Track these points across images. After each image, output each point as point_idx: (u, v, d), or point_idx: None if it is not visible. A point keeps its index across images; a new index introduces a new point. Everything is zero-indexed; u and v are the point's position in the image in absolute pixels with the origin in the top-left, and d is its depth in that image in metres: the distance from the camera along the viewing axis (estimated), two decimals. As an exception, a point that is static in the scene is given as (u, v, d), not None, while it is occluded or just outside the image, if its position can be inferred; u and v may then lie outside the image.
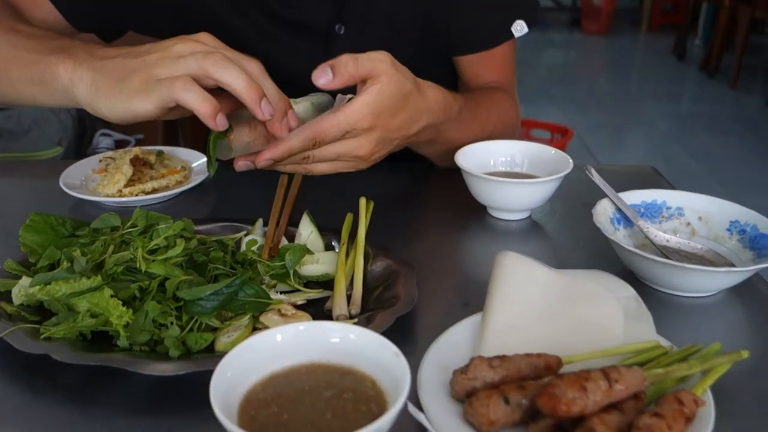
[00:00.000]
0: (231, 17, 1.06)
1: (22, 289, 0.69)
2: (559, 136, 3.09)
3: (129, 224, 0.76)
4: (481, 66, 1.16)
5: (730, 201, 0.85)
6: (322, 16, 1.08)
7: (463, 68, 1.17)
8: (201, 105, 0.69)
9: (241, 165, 0.78)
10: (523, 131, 3.24)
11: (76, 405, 0.61)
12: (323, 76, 0.76)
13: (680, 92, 5.56)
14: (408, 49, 1.10)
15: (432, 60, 1.14)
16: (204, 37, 0.75)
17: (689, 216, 0.86)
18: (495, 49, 1.14)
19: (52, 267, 0.72)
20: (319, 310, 0.73)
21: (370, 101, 0.78)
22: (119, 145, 1.39)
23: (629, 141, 4.47)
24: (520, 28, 1.13)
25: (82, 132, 1.35)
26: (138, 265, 0.68)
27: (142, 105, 0.71)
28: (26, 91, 0.83)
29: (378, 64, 0.79)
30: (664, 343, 0.64)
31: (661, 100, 5.22)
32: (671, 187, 1.04)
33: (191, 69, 0.70)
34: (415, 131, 0.86)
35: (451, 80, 1.19)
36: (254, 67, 0.74)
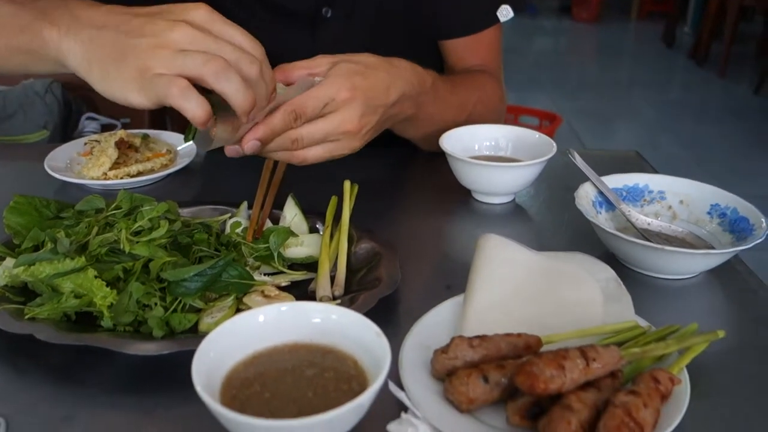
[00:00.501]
0: None
1: (6, 270, 0.69)
2: (547, 123, 3.10)
3: (113, 206, 0.76)
4: (467, 50, 1.16)
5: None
6: None
7: (448, 52, 1.17)
8: (196, 113, 0.67)
9: (230, 151, 0.77)
10: (512, 117, 3.24)
11: (61, 384, 0.62)
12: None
13: (669, 80, 5.58)
14: (395, 33, 1.11)
15: (418, 45, 1.14)
16: (201, 14, 0.70)
17: (671, 199, 0.87)
18: (481, 33, 1.14)
19: (37, 248, 0.72)
20: (302, 292, 0.73)
21: (341, 71, 0.80)
22: (105, 128, 1.39)
23: (618, 128, 4.49)
24: (506, 12, 1.14)
25: (68, 115, 1.34)
26: (122, 247, 0.68)
27: (137, 98, 0.69)
28: (15, 59, 0.80)
29: (313, 60, 0.82)
30: (642, 323, 0.65)
31: (650, 88, 5.24)
32: (654, 171, 1.05)
33: (189, 71, 0.67)
34: (394, 98, 0.85)
35: (438, 65, 1.19)
36: (253, 69, 0.70)
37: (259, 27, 1.05)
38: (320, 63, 0.82)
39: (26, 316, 0.64)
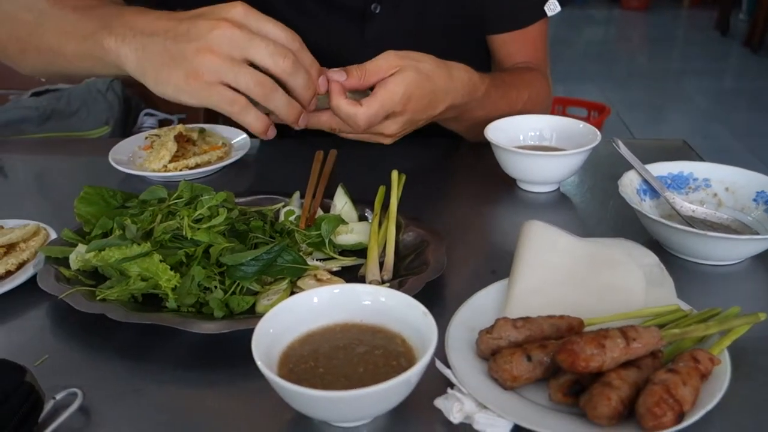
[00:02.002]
0: None
1: (79, 256, 0.74)
2: (596, 114, 3.06)
3: (175, 196, 0.80)
4: (514, 45, 1.17)
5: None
6: None
7: (495, 48, 1.18)
8: (256, 126, 0.79)
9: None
10: (560, 109, 3.22)
11: (129, 360, 0.66)
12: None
13: (722, 68, 5.44)
14: (440, 28, 1.13)
15: (463, 40, 1.16)
16: (238, 12, 0.75)
17: (716, 187, 0.87)
18: (528, 28, 1.15)
19: (105, 235, 0.77)
20: (353, 277, 0.76)
21: (401, 87, 0.83)
22: (163, 124, 1.45)
23: (669, 119, 4.40)
24: (553, 7, 1.15)
25: (128, 111, 1.41)
26: (184, 233, 0.73)
27: (189, 101, 0.77)
28: (83, 65, 0.87)
29: (382, 61, 0.85)
30: (684, 307, 0.66)
31: (703, 77, 5.11)
32: (701, 159, 1.05)
33: (241, 88, 0.75)
34: (440, 111, 0.90)
35: (482, 60, 1.21)
36: (287, 63, 0.76)
37: (309, 23, 1.09)
38: (390, 65, 0.85)
39: (98, 298, 0.69)
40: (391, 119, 0.86)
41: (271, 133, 0.82)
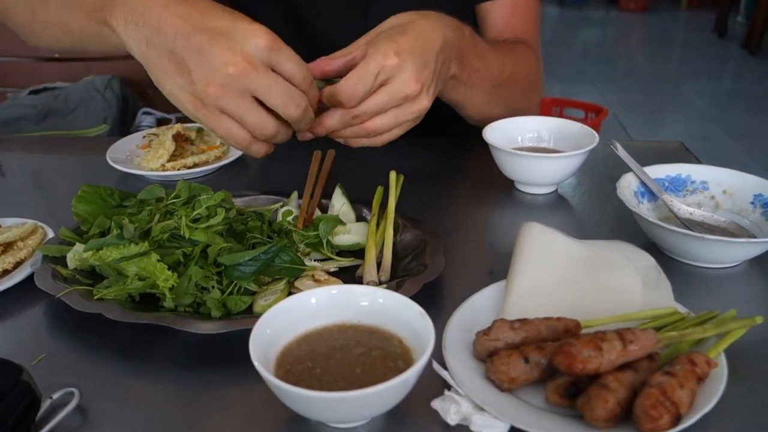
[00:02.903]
0: None
1: (76, 255, 0.74)
2: (593, 115, 3.07)
3: (173, 195, 0.80)
4: (505, 18, 1.15)
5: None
6: None
7: (486, 23, 1.16)
8: (258, 154, 0.75)
9: (301, 136, 0.79)
10: (558, 110, 3.22)
11: (126, 360, 0.66)
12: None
13: (720, 70, 5.45)
14: (442, 11, 1.14)
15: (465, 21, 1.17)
16: (259, 46, 0.67)
17: (713, 189, 0.87)
18: (517, 1, 1.14)
19: (103, 234, 0.77)
20: (350, 277, 0.76)
21: (380, 41, 0.77)
22: (161, 122, 1.45)
23: (667, 120, 4.41)
24: None
25: (126, 110, 1.40)
26: (182, 233, 0.73)
27: (190, 115, 0.72)
28: (93, 44, 0.81)
29: (363, 38, 0.81)
30: (682, 309, 0.66)
31: (701, 79, 5.13)
32: (698, 161, 1.06)
33: (246, 125, 0.70)
34: (439, 43, 0.81)
35: None
36: (297, 112, 0.71)
37: (313, 8, 1.09)
38: (356, 46, 0.80)
39: (95, 297, 0.69)
40: (398, 71, 0.76)
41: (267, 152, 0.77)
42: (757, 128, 4.11)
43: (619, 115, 4.16)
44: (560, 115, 3.19)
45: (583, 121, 3.20)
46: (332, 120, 0.78)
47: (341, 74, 0.77)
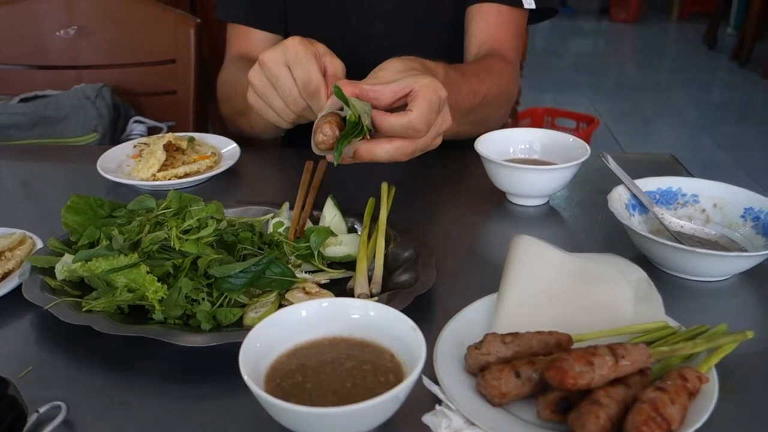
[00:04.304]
0: None
1: (65, 266, 0.74)
2: (584, 125, 3.09)
3: (163, 205, 0.80)
4: (485, 23, 1.18)
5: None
6: None
7: (470, 21, 1.19)
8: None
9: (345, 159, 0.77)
10: (549, 120, 3.24)
11: (115, 373, 0.66)
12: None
13: (710, 82, 5.49)
14: (443, 3, 1.21)
15: (459, 12, 1.22)
16: (279, 51, 0.80)
17: (704, 203, 0.87)
18: (502, 9, 1.17)
19: (92, 245, 0.77)
20: (341, 289, 0.76)
21: (415, 74, 0.78)
22: (152, 131, 1.44)
23: (657, 131, 4.43)
24: (528, 1, 1.17)
25: (117, 118, 1.40)
26: (172, 244, 0.72)
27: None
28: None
29: (391, 76, 0.79)
30: (673, 323, 0.66)
31: (691, 90, 5.17)
32: (689, 174, 1.06)
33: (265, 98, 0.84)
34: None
35: None
36: (291, 117, 0.84)
37: None
38: (384, 77, 0.79)
39: (84, 309, 0.69)
40: (445, 105, 0.78)
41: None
42: (747, 140, 4.14)
43: (610, 125, 4.18)
44: (552, 125, 3.21)
45: (575, 130, 3.22)
46: (385, 152, 0.76)
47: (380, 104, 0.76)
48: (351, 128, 0.72)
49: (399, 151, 0.76)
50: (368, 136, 0.73)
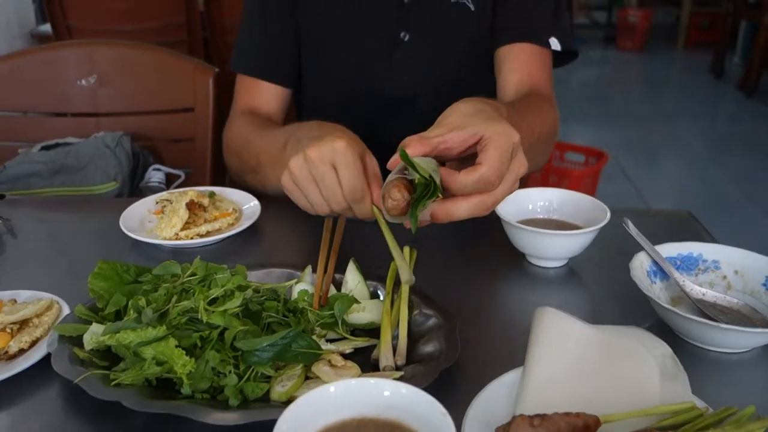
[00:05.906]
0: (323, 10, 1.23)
1: (93, 336, 0.74)
2: (594, 160, 3.09)
3: (189, 272, 0.81)
4: (519, 62, 1.20)
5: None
6: (390, 23, 1.21)
7: (501, 63, 1.22)
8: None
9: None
10: (558, 154, 3.24)
11: (143, 448, 0.66)
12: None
13: (717, 112, 5.51)
14: (461, 52, 1.24)
15: (480, 62, 1.25)
16: (325, 150, 0.80)
17: (725, 269, 0.88)
18: (534, 48, 1.20)
19: (118, 312, 0.78)
20: (366, 359, 0.77)
21: (485, 120, 0.75)
22: (170, 178, 1.46)
23: (665, 162, 4.44)
24: (554, 43, 1.22)
25: (136, 167, 1.42)
26: (199, 316, 0.73)
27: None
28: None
29: (452, 120, 0.76)
30: (700, 404, 0.66)
31: (698, 120, 5.18)
32: (707, 232, 1.07)
33: (307, 196, 0.85)
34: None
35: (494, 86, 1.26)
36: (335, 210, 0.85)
37: (348, 41, 1.23)
38: (453, 122, 0.76)
39: (113, 383, 0.69)
40: (518, 148, 0.76)
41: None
42: (754, 171, 4.14)
43: (617, 157, 4.19)
44: (561, 159, 3.21)
45: (584, 164, 3.23)
46: (465, 209, 0.74)
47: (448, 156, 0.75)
48: (423, 190, 0.69)
49: (479, 207, 0.74)
50: (440, 195, 0.71)
